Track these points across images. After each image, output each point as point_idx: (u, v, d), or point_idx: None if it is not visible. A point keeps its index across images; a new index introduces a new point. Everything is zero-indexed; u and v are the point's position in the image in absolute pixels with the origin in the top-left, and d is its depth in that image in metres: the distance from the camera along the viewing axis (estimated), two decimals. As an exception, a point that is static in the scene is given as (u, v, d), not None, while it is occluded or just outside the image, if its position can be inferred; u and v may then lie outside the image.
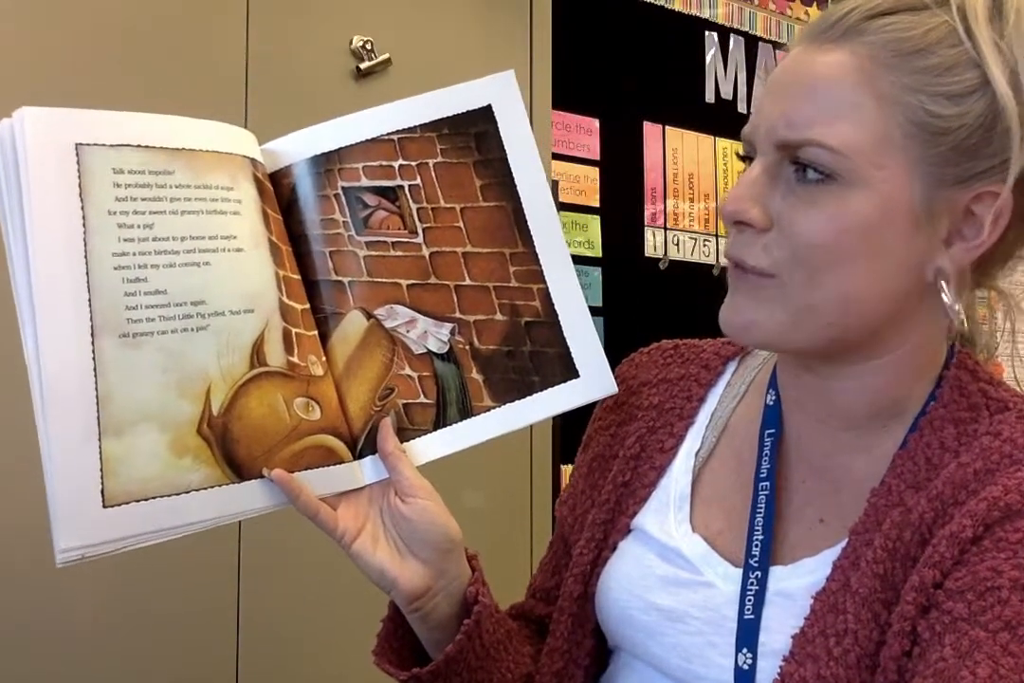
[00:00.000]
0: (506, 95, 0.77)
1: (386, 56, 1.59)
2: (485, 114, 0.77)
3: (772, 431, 0.72)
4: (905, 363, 0.68)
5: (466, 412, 0.75)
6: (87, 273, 0.63)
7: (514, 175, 0.77)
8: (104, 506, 0.62)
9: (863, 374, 0.68)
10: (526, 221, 0.77)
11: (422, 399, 0.75)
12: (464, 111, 0.77)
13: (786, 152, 0.63)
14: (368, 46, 1.55)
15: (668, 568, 0.71)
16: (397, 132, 0.76)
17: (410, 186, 0.76)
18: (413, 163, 0.76)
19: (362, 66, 1.58)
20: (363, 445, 0.73)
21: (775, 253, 0.64)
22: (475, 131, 0.77)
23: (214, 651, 1.42)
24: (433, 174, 0.76)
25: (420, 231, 0.76)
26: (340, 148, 0.75)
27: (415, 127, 0.76)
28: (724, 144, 2.15)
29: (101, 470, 0.62)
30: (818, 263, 0.63)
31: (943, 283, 0.64)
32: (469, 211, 0.77)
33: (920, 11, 0.63)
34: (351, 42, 1.58)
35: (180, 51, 1.43)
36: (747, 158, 0.68)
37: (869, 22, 0.63)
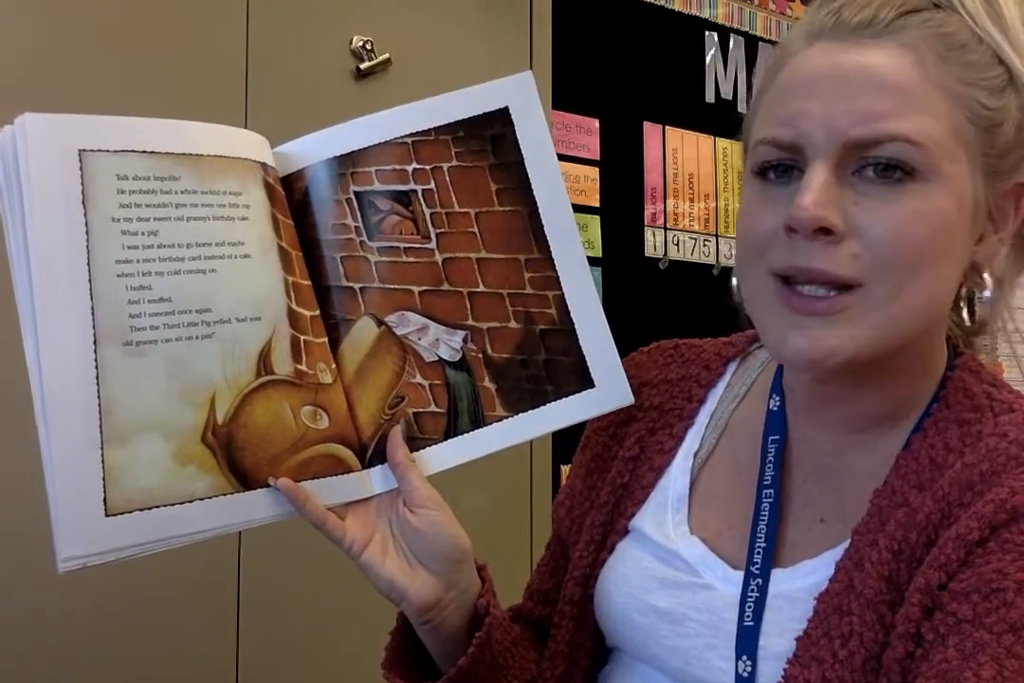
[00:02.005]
0: (524, 97, 0.75)
1: (386, 56, 1.59)
2: (502, 116, 0.75)
3: (776, 437, 0.71)
4: (919, 365, 0.67)
5: (478, 422, 0.74)
6: (90, 280, 0.62)
7: (531, 179, 0.75)
8: (106, 515, 0.62)
9: (887, 379, 0.66)
10: (542, 226, 0.75)
11: (433, 408, 0.73)
12: (480, 113, 0.75)
13: (856, 152, 0.60)
14: (368, 46, 1.55)
15: (666, 570, 0.70)
16: (411, 135, 0.74)
17: (424, 190, 0.74)
18: (427, 167, 0.74)
19: (362, 66, 1.58)
20: (372, 454, 0.72)
21: (865, 260, 0.60)
22: (491, 134, 0.75)
23: (214, 651, 1.42)
24: (448, 178, 0.74)
25: (433, 236, 0.74)
26: (353, 151, 0.73)
27: (430, 130, 0.74)
28: (724, 144, 2.12)
29: (103, 479, 0.62)
30: (910, 266, 0.60)
31: (986, 275, 0.64)
32: (484, 216, 0.75)
33: (940, 10, 0.63)
34: (351, 42, 1.58)
35: (180, 52, 1.43)
36: (778, 167, 0.62)
37: (905, 18, 0.62)
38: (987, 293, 0.68)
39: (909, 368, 0.67)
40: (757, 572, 0.66)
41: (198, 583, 1.40)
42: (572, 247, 0.76)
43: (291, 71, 1.52)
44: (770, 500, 0.68)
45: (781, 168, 0.63)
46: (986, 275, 0.65)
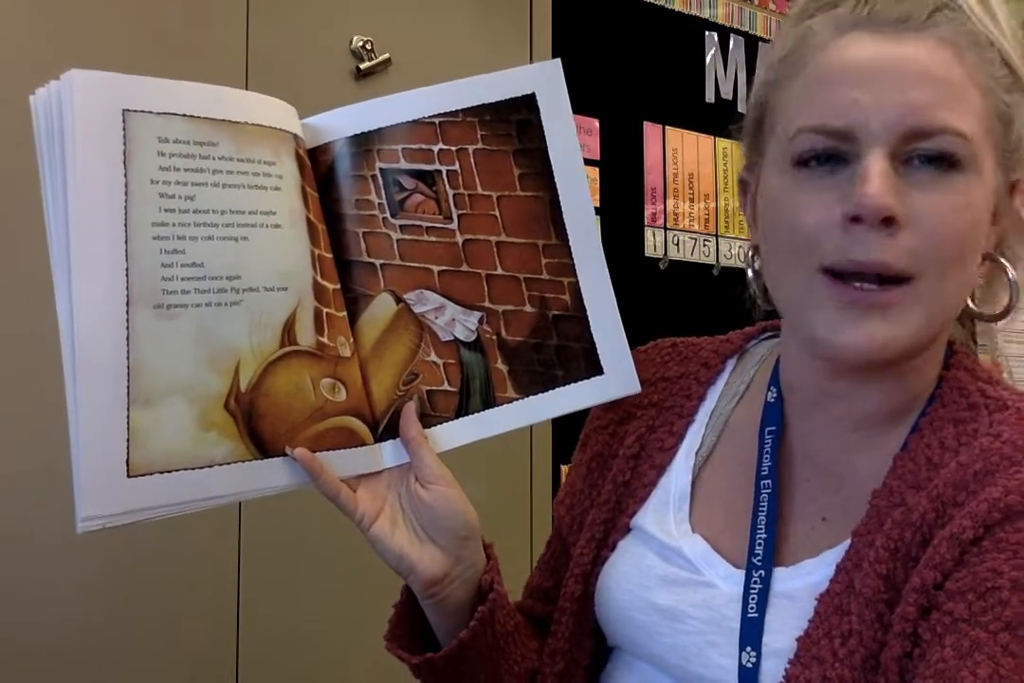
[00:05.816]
0: (551, 84, 0.77)
1: (386, 56, 1.60)
2: (528, 102, 0.76)
3: (772, 428, 0.71)
4: (927, 361, 0.68)
5: (489, 402, 0.75)
6: (126, 242, 0.62)
7: (553, 166, 0.76)
8: (128, 476, 0.62)
9: (896, 375, 0.67)
10: (561, 213, 0.76)
11: (446, 386, 0.74)
12: (508, 98, 0.76)
13: (909, 142, 0.60)
14: (368, 46, 1.56)
15: (668, 567, 0.70)
16: (439, 115, 0.75)
17: (448, 171, 0.75)
18: (453, 148, 0.75)
19: (362, 66, 1.58)
20: (384, 429, 0.72)
21: (918, 252, 0.60)
22: (517, 119, 0.76)
23: (214, 648, 1.42)
24: (472, 160, 0.75)
25: (455, 217, 0.75)
26: (381, 128, 0.74)
27: (457, 111, 0.75)
28: (724, 144, 2.14)
29: (128, 440, 0.62)
30: (954, 258, 0.62)
31: (1004, 261, 0.66)
32: (505, 200, 0.76)
33: (955, 10, 0.64)
34: (351, 42, 1.59)
35: (180, 51, 1.42)
36: (822, 156, 0.62)
37: (935, 15, 0.62)
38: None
39: (917, 365, 0.67)
40: (759, 564, 0.66)
41: (198, 581, 1.39)
42: (589, 236, 0.77)
43: (291, 71, 1.52)
44: (768, 490, 0.68)
45: (824, 157, 0.62)
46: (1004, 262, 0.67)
